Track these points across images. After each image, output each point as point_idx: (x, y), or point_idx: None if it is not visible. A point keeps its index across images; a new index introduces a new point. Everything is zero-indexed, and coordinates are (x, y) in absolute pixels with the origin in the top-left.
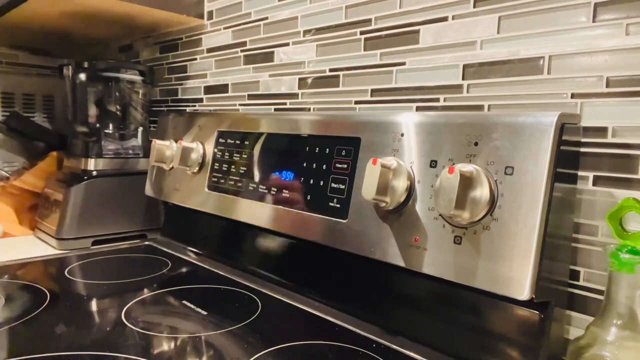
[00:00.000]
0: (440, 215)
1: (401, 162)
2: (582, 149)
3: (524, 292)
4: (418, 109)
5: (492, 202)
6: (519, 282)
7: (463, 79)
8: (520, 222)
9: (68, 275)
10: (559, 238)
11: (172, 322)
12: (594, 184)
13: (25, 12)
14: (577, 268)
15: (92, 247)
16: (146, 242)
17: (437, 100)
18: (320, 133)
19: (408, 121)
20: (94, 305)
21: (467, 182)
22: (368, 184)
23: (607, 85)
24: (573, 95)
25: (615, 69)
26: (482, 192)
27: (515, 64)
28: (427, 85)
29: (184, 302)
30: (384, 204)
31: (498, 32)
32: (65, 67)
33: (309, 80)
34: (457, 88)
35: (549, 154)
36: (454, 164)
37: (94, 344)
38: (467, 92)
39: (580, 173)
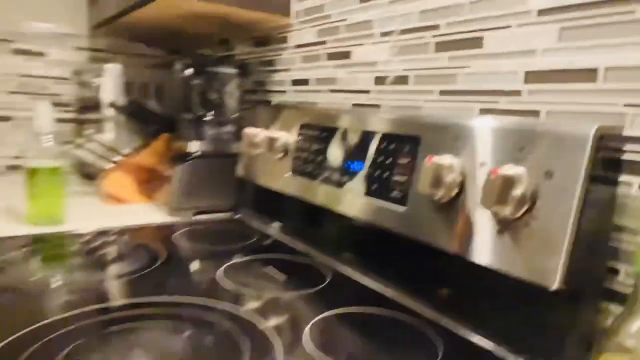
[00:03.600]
0: (486, 210)
1: (455, 161)
2: (629, 157)
3: (555, 282)
4: (481, 110)
5: (533, 202)
6: (552, 273)
7: (523, 84)
8: (556, 221)
9: (176, 240)
10: (594, 236)
11: (257, 282)
12: None
13: (144, 13)
14: (618, 266)
15: (193, 218)
16: (237, 217)
17: (497, 103)
18: (388, 131)
19: (464, 124)
20: (197, 264)
21: (509, 183)
22: (423, 179)
23: None
24: (626, 105)
25: None
26: (523, 192)
27: (572, 73)
28: (488, 89)
29: (267, 268)
30: (437, 197)
31: (559, 42)
32: (176, 63)
33: (382, 79)
34: (516, 93)
35: (585, 161)
36: (500, 166)
37: (199, 294)
38: (526, 97)
39: (626, 179)
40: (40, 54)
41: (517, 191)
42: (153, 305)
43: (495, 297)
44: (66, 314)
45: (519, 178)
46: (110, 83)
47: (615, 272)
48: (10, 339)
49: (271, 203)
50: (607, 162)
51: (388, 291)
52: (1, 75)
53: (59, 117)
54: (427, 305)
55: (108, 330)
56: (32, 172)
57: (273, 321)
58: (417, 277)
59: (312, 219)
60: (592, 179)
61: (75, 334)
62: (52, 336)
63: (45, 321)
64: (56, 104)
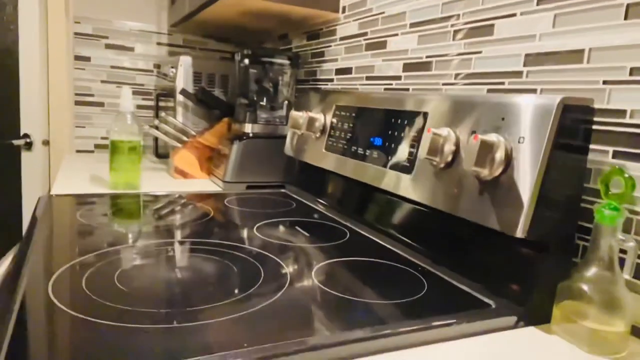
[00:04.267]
0: (472, 171)
1: (451, 132)
2: (605, 128)
3: (518, 231)
4: (488, 90)
5: (508, 163)
6: (517, 224)
7: (523, 66)
8: (524, 180)
9: (227, 204)
10: (561, 195)
11: (284, 236)
12: (613, 157)
13: (212, 11)
14: (590, 225)
15: (246, 190)
16: (282, 190)
17: (503, 83)
18: (404, 109)
19: (461, 100)
20: (238, 220)
21: (488, 147)
22: (423, 147)
23: (630, 74)
24: (605, 82)
25: (638, 60)
26: (500, 155)
27: (563, 54)
28: (496, 71)
29: (296, 227)
30: (435, 163)
31: (553, 27)
32: (235, 54)
33: (411, 65)
34: (518, 74)
35: (550, 128)
36: (483, 134)
37: (234, 239)
38: (526, 77)
39: (601, 147)
40: (128, 49)
41: (494, 154)
42: (196, 244)
43: (479, 249)
44: (131, 244)
45: (496, 142)
46: (182, 73)
47: (589, 231)
48: (93, 254)
49: (312, 178)
50: (574, 131)
51: (396, 246)
52: (96, 66)
53: (140, 104)
54: (423, 257)
55: (160, 256)
56: (115, 145)
57: (289, 260)
58: (420, 235)
59: (345, 191)
60: (558, 144)
61: (136, 255)
62: (120, 255)
63: (118, 247)
64: (139, 93)
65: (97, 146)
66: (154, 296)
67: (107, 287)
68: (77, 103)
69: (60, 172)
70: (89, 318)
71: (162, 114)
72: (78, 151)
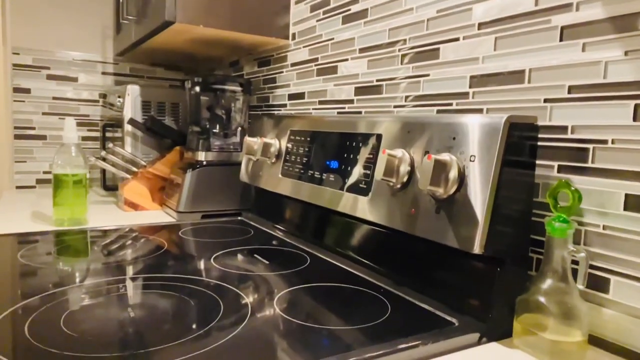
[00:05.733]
0: (427, 191)
1: (405, 152)
2: (549, 144)
3: (475, 248)
4: (438, 111)
5: (461, 181)
6: (474, 241)
7: (469, 87)
8: (477, 196)
9: (181, 235)
10: (513, 211)
11: (243, 265)
12: (558, 171)
13: (160, 40)
14: (542, 238)
15: (201, 220)
16: (239, 218)
17: (451, 104)
18: (358, 131)
19: (413, 121)
20: (194, 251)
21: (441, 166)
22: (379, 168)
23: (569, 92)
24: (545, 100)
25: (575, 78)
26: (453, 173)
27: (505, 75)
28: (444, 93)
29: (255, 255)
30: (391, 183)
31: (495, 50)
32: (185, 82)
33: (362, 89)
34: (465, 95)
35: (498, 145)
36: (436, 153)
37: (191, 272)
38: (472, 97)
39: (547, 162)
40: (72, 79)
41: (448, 173)
42: (150, 279)
43: (439, 267)
44: (79, 283)
45: (449, 161)
46: (130, 102)
47: (541, 244)
48: (36, 297)
49: (269, 204)
50: (521, 147)
51: (357, 269)
52: (37, 98)
53: (86, 136)
54: (385, 278)
55: (111, 295)
56: (59, 179)
57: (249, 290)
58: (381, 256)
59: (303, 216)
60: (507, 161)
61: (84, 295)
62: (67, 297)
63: (64, 287)
64: (84, 124)
65: (38, 181)
66: (105, 339)
67: (52, 332)
68: (16, 137)
69: None
70: None
71: (110, 144)
72: (18, 187)
